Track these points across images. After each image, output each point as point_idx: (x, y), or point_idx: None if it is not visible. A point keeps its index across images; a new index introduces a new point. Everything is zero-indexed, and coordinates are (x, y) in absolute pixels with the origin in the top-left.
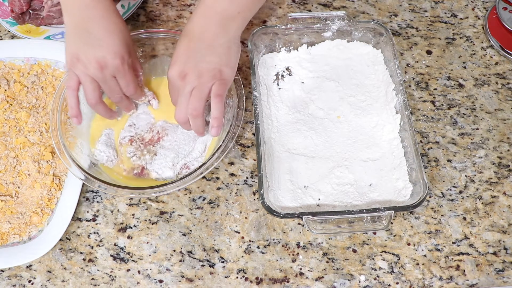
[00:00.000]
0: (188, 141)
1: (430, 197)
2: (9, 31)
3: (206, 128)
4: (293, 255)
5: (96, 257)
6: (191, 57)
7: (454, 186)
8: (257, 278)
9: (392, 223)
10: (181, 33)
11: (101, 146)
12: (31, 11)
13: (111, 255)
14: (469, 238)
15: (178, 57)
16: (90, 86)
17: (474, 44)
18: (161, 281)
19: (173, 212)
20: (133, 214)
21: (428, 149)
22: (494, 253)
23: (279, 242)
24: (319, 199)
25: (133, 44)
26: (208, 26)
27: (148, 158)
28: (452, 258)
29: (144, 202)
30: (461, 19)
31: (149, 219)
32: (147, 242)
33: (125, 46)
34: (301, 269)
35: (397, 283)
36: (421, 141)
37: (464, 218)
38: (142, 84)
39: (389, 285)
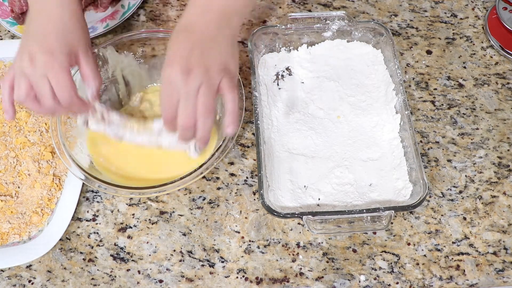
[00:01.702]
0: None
1: (430, 197)
2: (9, 31)
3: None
4: (293, 255)
5: (96, 257)
6: (194, 51)
7: (454, 186)
8: (257, 278)
9: (392, 223)
10: (174, 30)
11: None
12: None
13: (111, 255)
14: (469, 238)
15: (176, 53)
16: (17, 80)
17: (474, 44)
18: (161, 281)
19: (173, 212)
20: (133, 214)
21: (428, 149)
22: (494, 253)
23: (279, 242)
24: (319, 199)
25: (91, 51)
26: (209, 19)
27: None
28: (452, 258)
29: (144, 202)
30: (461, 19)
31: (149, 219)
32: (147, 242)
33: (66, 45)
34: (301, 269)
35: (397, 283)
36: (421, 141)
37: (464, 218)
38: (94, 97)
39: (389, 285)
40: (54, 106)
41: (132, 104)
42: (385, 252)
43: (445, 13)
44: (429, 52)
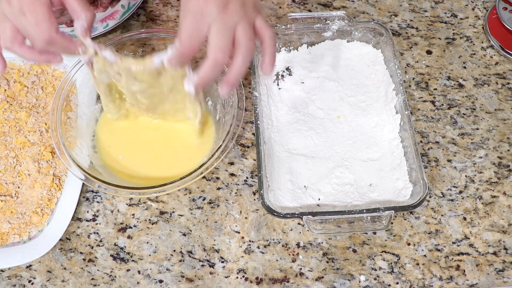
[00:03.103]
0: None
1: (430, 197)
2: None
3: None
4: (293, 255)
5: (96, 257)
6: None
7: (454, 186)
8: (257, 278)
9: (392, 223)
10: None
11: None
12: None
13: (111, 255)
14: (469, 238)
15: None
16: (1, 26)
17: (474, 44)
18: (161, 281)
19: (173, 212)
20: (133, 214)
21: (428, 149)
22: (494, 253)
23: (279, 242)
24: (319, 199)
25: None
26: None
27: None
28: (452, 258)
29: (144, 202)
30: (461, 19)
31: (149, 219)
32: (147, 242)
33: None
34: (301, 269)
35: (397, 283)
36: (421, 141)
37: (464, 218)
38: (85, 32)
39: (389, 285)
40: (42, 44)
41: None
42: (385, 252)
43: (445, 13)
44: (429, 52)
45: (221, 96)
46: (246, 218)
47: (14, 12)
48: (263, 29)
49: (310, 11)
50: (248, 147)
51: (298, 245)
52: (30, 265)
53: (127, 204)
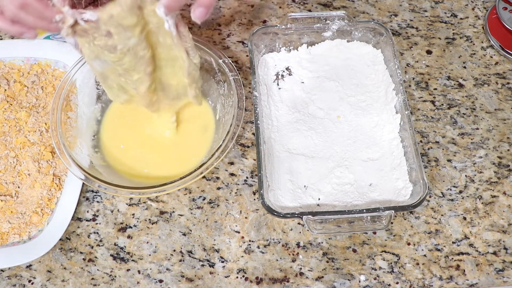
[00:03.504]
0: None
1: (430, 197)
2: None
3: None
4: (293, 255)
5: (96, 257)
6: None
7: (454, 186)
8: (257, 278)
9: (392, 223)
10: None
11: None
12: None
13: (111, 255)
14: (469, 238)
15: None
16: None
17: (474, 44)
18: (161, 281)
19: (173, 212)
20: (133, 214)
21: (428, 149)
22: (494, 253)
23: (279, 242)
24: (319, 199)
25: None
26: None
27: None
28: (452, 258)
29: (144, 202)
30: (461, 19)
31: (149, 219)
32: (147, 242)
33: None
34: (301, 269)
35: (397, 283)
36: (421, 141)
37: (464, 218)
38: None
39: (389, 285)
40: (14, 9)
41: None
42: (385, 252)
43: (445, 13)
44: (429, 52)
45: (192, 20)
46: (246, 218)
47: None
48: None
49: (310, 11)
50: (248, 147)
51: (298, 245)
52: (30, 265)
53: (127, 204)
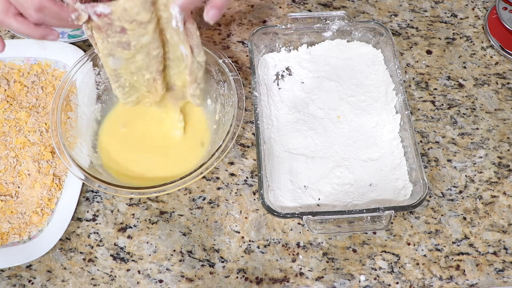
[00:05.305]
0: None
1: (430, 197)
2: (9, 31)
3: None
4: (293, 255)
5: (96, 257)
6: None
7: (454, 186)
8: (257, 278)
9: (392, 223)
10: None
11: None
12: None
13: (111, 255)
14: (469, 238)
15: None
16: None
17: (474, 44)
18: (161, 281)
19: (173, 212)
20: (133, 214)
21: (428, 149)
22: (494, 253)
23: (279, 242)
24: (319, 199)
25: None
26: None
27: None
28: (452, 258)
29: (144, 202)
30: (461, 19)
31: (149, 219)
32: (147, 242)
33: None
34: (301, 269)
35: (397, 283)
36: (421, 141)
37: (464, 218)
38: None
39: (389, 285)
40: (33, 13)
41: None
42: (385, 252)
43: (445, 13)
44: (429, 52)
45: (205, 20)
46: (246, 218)
47: None
48: None
49: (310, 11)
50: (248, 147)
51: (298, 245)
52: (30, 265)
53: (127, 204)
